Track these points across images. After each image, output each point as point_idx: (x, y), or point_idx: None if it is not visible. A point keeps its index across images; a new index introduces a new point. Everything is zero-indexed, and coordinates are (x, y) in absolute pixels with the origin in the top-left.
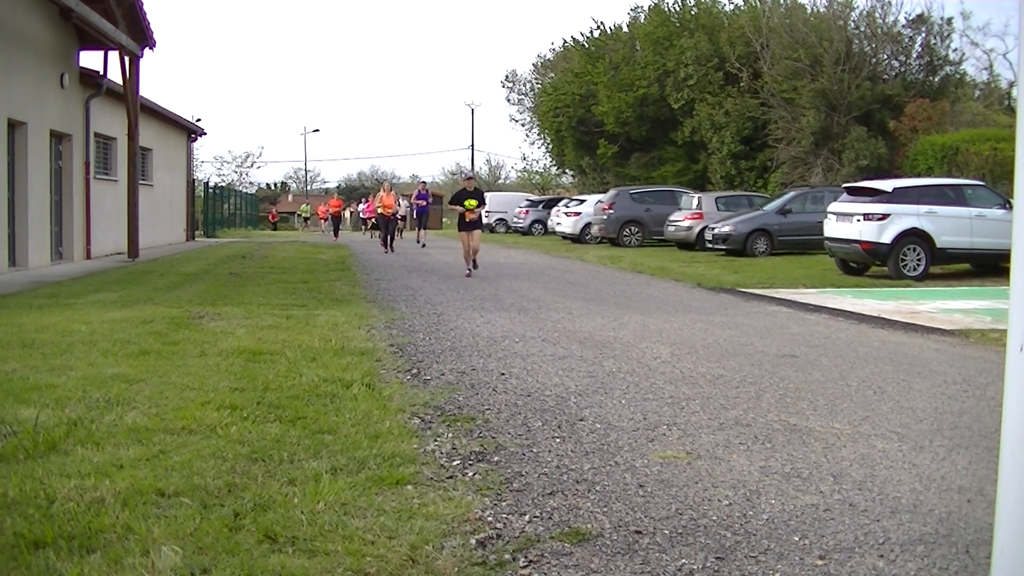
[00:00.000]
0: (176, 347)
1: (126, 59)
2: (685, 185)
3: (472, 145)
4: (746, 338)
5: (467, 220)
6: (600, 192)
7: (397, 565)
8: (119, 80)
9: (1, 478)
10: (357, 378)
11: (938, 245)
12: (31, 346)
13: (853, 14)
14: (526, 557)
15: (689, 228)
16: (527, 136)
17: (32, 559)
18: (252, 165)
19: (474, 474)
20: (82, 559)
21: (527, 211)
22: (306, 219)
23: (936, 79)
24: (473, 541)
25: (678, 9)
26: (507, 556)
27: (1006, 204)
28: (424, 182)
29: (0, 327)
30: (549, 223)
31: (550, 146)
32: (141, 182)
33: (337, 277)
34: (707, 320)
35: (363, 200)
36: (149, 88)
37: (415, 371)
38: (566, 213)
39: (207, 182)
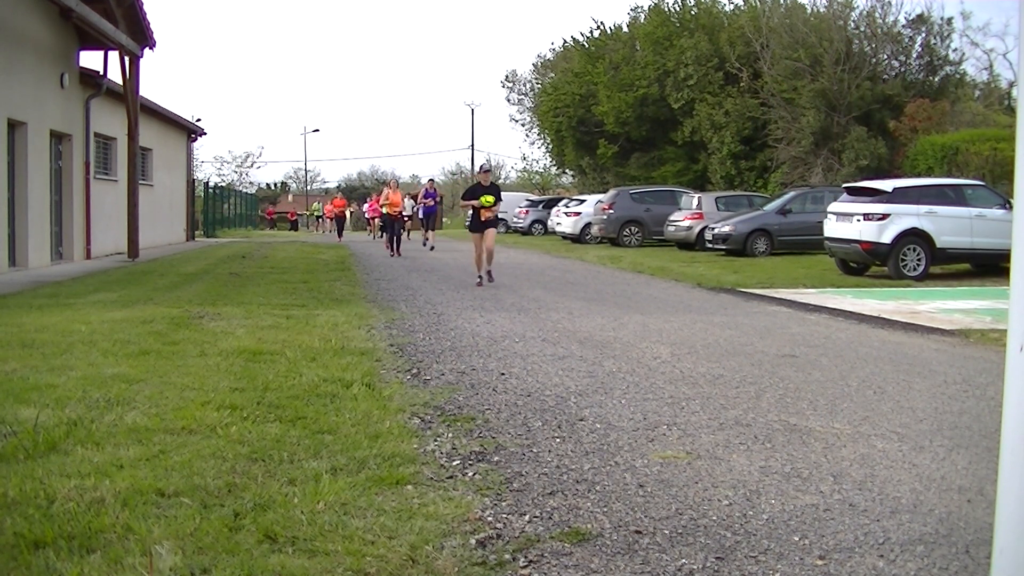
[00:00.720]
0: (176, 347)
1: (126, 59)
2: (685, 185)
3: (472, 145)
4: (746, 338)
5: (483, 219)
6: (600, 192)
7: (397, 565)
8: (119, 80)
9: (1, 478)
10: (357, 378)
11: (938, 245)
12: (31, 346)
13: (853, 14)
14: (526, 557)
15: (689, 228)
16: (527, 136)
17: (32, 559)
18: (252, 165)
19: (474, 474)
20: (82, 559)
21: (527, 211)
22: (318, 218)
23: (936, 79)
24: (473, 541)
25: (678, 9)
26: (507, 556)
27: (1006, 204)
28: (432, 180)
29: (0, 327)
30: (549, 223)
31: (550, 146)
32: (141, 182)
33: (337, 277)
34: (707, 320)
35: (365, 200)
36: (149, 88)
37: (415, 371)
38: (566, 213)
39: (207, 182)
